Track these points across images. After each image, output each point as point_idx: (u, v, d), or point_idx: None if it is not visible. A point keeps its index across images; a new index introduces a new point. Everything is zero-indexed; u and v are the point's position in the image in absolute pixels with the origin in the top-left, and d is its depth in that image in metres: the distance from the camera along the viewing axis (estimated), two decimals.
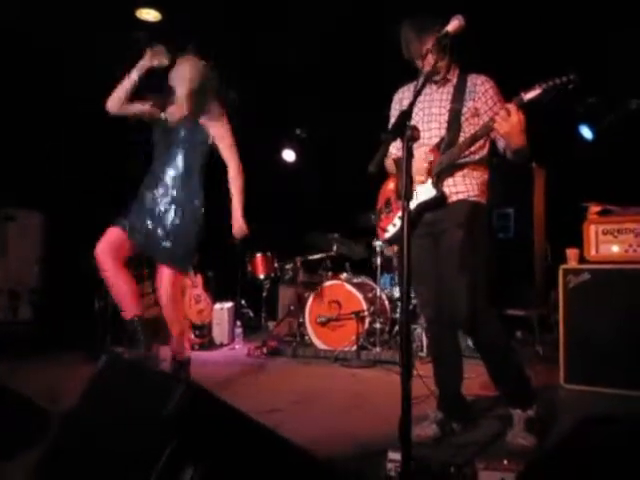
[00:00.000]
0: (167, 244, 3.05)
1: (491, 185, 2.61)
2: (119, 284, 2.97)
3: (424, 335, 4.60)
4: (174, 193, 3.09)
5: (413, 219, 2.49)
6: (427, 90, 2.59)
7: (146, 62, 3.04)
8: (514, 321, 4.99)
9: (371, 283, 5.12)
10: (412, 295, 2.64)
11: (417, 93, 1.91)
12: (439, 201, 2.47)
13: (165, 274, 3.08)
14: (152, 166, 3.18)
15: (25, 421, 2.34)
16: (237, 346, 5.25)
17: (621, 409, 2.92)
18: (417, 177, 2.45)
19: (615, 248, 3.47)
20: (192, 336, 5.18)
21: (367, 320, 4.72)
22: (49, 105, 5.04)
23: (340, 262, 5.46)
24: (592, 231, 3.54)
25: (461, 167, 2.49)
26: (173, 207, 3.07)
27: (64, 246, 5.40)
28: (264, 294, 5.98)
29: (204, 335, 5.28)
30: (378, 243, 4.95)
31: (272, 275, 5.75)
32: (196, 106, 3.14)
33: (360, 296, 4.78)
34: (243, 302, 6.30)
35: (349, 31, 4.81)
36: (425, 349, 4.53)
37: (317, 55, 5.11)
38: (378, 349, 4.56)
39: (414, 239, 2.49)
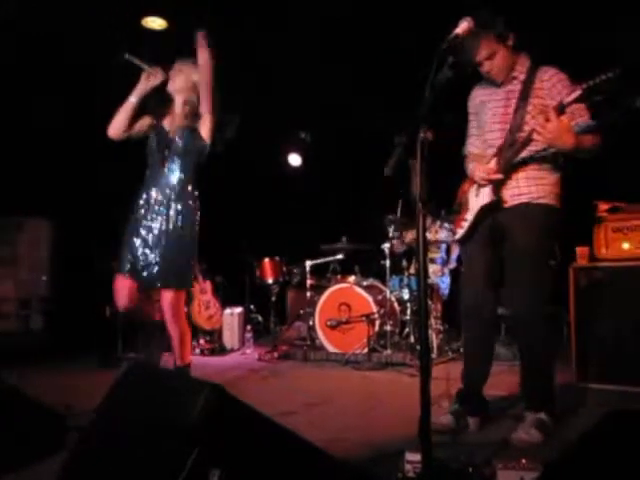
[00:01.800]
0: (163, 266, 2.97)
1: None
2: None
3: (434, 336, 4.61)
4: (167, 208, 3.00)
5: (476, 222, 2.55)
6: (490, 90, 2.58)
7: (143, 85, 3.00)
8: None
9: (380, 285, 5.11)
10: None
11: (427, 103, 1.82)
12: (497, 205, 2.48)
13: (166, 297, 2.99)
14: (145, 177, 3.10)
15: (41, 428, 2.35)
16: (248, 351, 5.25)
17: (637, 406, 2.91)
18: (479, 180, 2.52)
19: (626, 245, 3.46)
20: (202, 341, 5.20)
21: (377, 322, 4.72)
22: (55, 112, 5.05)
23: (349, 264, 5.46)
24: (602, 229, 3.54)
25: (523, 168, 2.46)
26: (166, 225, 2.99)
27: (73, 254, 5.43)
28: (273, 298, 5.98)
29: (214, 341, 5.30)
30: (386, 245, 4.94)
31: (280, 279, 5.75)
32: (192, 115, 3.07)
33: (370, 299, 4.78)
34: (252, 307, 6.30)
35: (352, 33, 4.81)
36: (436, 350, 4.54)
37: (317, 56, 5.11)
38: (389, 351, 4.56)
39: (473, 241, 2.58)
